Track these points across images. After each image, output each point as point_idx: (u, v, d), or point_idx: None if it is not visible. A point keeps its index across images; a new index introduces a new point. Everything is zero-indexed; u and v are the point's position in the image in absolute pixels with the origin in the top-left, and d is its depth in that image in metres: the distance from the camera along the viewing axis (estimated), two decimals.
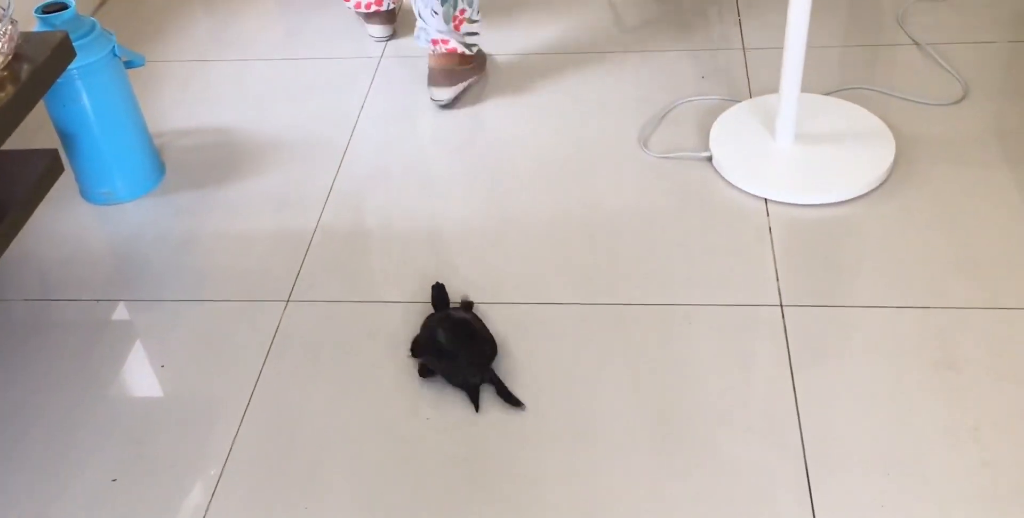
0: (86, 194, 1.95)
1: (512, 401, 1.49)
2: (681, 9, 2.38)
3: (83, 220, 1.92)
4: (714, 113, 2.02)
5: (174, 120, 2.16)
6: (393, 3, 2.34)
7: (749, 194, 1.83)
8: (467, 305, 1.64)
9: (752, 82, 2.11)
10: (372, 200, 1.91)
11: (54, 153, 1.69)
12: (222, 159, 2.04)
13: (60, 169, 1.70)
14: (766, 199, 1.81)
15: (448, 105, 2.14)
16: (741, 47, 2.22)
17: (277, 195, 1.94)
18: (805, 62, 1.79)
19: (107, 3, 2.59)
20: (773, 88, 2.05)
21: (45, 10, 1.75)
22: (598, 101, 2.11)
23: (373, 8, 2.33)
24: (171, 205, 1.94)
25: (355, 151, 2.03)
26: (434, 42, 2.11)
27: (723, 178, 1.87)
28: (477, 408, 1.49)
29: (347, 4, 2.35)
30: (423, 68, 2.21)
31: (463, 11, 2.07)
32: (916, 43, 2.17)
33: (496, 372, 1.52)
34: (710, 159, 1.91)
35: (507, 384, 1.51)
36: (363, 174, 1.97)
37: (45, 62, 1.49)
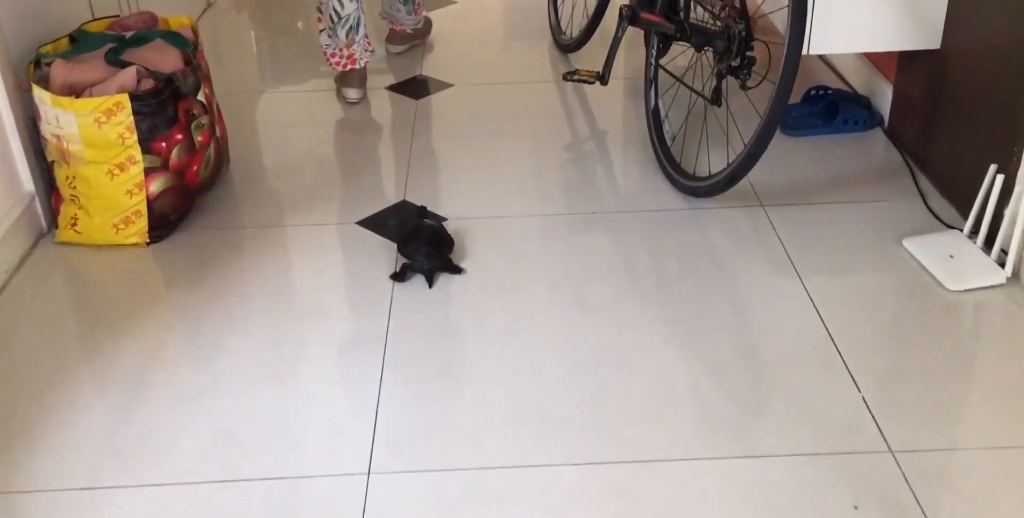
0: None
1: (454, 270, 2.06)
2: (767, 377, 1.75)
3: None
4: None
5: None
6: (365, 62, 2.82)
7: None
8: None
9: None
10: None
11: None
12: None
13: None
14: None
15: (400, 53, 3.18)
16: (887, 448, 1.59)
17: None
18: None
19: None
20: None
21: None
22: None
23: (348, 67, 2.81)
24: None
25: None
26: (393, 24, 3.13)
27: None
28: (430, 285, 2.02)
29: (330, 62, 2.82)
30: None
31: (419, 7, 3.11)
32: None
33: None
34: None
35: None
36: None
37: None
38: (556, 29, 3.23)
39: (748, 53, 2.17)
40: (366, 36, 2.77)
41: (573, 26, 3.16)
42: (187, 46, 2.21)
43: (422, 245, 2.03)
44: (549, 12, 3.29)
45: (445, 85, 2.98)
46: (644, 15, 2.45)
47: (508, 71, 3.07)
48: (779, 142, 2.54)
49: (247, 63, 3.26)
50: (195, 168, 2.18)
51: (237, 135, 2.64)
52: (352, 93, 2.84)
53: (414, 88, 2.95)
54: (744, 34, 2.13)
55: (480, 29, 3.48)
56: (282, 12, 3.73)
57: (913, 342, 1.83)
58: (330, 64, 2.81)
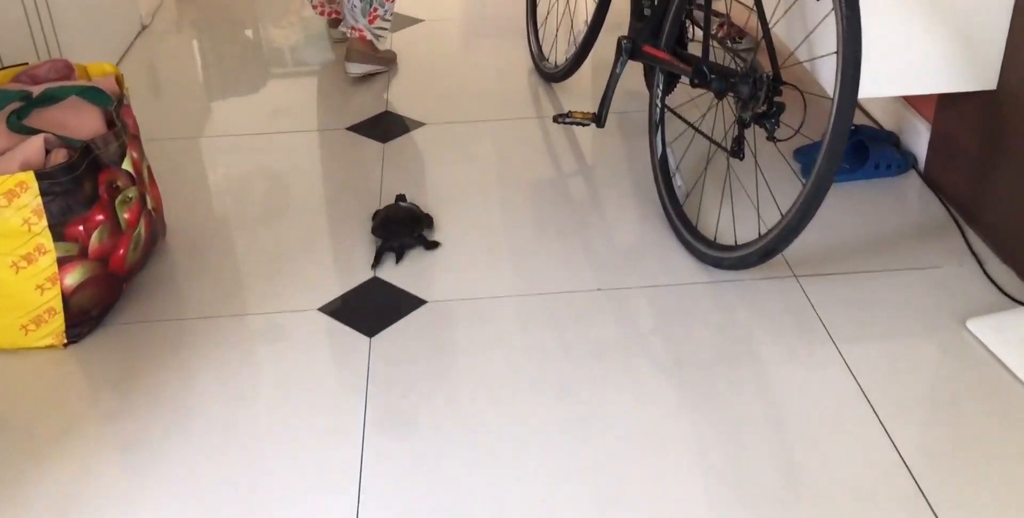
0: None
1: (429, 245, 2.07)
2: None
3: None
4: None
5: None
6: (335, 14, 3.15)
7: None
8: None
9: None
10: None
11: None
12: None
13: None
14: None
15: (358, 79, 2.88)
16: None
17: None
18: None
19: None
20: None
21: None
22: None
23: (334, 15, 3.16)
24: None
25: None
26: (351, 28, 2.84)
27: None
28: (398, 261, 2.03)
29: (315, 12, 3.17)
30: None
31: (376, 10, 2.82)
32: None
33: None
34: None
35: None
36: None
37: None
38: (538, 56, 2.88)
39: (776, 99, 1.84)
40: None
41: (558, 52, 2.82)
42: (108, 103, 1.84)
43: (392, 223, 2.09)
44: (528, 37, 2.94)
45: (416, 124, 2.62)
46: (648, 50, 2.11)
47: (487, 105, 2.72)
48: None
49: (188, 98, 2.87)
50: (121, 252, 1.81)
51: (176, 193, 2.27)
52: (337, 34, 3.17)
53: (380, 128, 2.59)
54: (772, 78, 1.81)
55: (451, 52, 3.12)
56: (226, 24, 3.35)
57: (1001, 462, 1.51)
58: (314, 7, 3.14)
